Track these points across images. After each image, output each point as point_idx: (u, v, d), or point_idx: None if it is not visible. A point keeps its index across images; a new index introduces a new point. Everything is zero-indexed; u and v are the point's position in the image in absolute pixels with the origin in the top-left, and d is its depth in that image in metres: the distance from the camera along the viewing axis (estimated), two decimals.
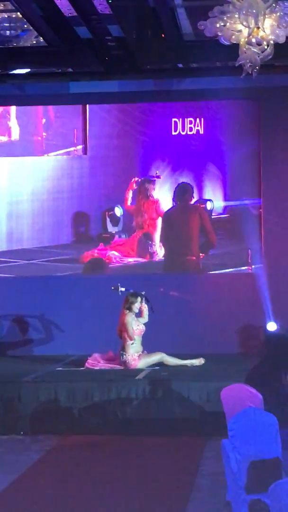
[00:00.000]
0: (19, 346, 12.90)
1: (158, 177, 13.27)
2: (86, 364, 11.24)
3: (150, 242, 13.24)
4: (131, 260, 13.27)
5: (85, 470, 8.43)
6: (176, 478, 8.03)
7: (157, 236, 13.21)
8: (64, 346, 12.54)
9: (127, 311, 11.13)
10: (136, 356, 11.07)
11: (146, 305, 11.26)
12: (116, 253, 13.28)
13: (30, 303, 12.80)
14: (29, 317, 12.90)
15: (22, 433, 9.98)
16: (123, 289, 11.42)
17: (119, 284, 11.42)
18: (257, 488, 5.68)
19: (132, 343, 11.05)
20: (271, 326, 11.39)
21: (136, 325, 11.11)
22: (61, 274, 13.39)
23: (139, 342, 11.17)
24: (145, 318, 11.26)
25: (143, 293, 11.25)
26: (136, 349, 11.13)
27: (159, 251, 13.22)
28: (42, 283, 13.08)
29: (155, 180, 13.30)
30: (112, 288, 11.48)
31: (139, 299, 11.18)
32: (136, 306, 11.16)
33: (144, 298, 11.23)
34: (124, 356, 11.07)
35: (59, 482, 8.09)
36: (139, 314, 11.22)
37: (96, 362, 11.24)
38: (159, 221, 13.24)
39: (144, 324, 11.21)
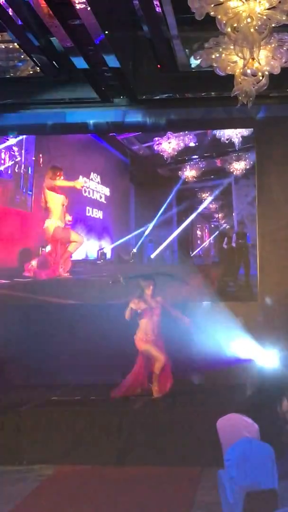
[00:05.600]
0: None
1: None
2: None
3: None
4: None
5: (80, 501, 8.38)
6: (173, 509, 7.99)
7: None
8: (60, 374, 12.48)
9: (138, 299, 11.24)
10: (142, 337, 11.14)
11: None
12: None
13: (24, 330, 12.75)
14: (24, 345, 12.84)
15: (17, 463, 9.93)
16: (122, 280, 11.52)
17: (119, 275, 11.48)
18: None
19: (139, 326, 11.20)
20: (267, 357, 11.37)
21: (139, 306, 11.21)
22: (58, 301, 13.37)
23: (147, 327, 11.21)
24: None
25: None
26: (143, 332, 11.19)
27: None
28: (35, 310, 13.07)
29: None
30: (111, 282, 11.53)
31: (149, 282, 11.30)
32: (148, 290, 11.24)
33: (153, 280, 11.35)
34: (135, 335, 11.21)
35: None
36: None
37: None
38: None
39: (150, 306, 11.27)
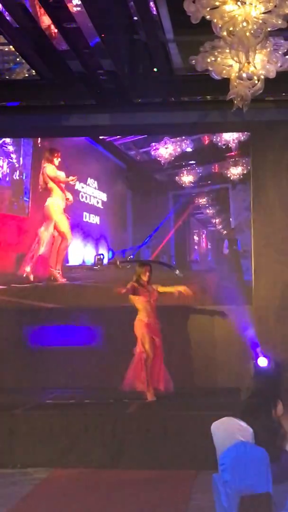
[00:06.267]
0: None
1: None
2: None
3: None
4: None
5: (74, 504, 8.37)
6: None
7: None
8: (53, 377, 12.47)
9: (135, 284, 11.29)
10: (142, 318, 11.23)
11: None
12: None
13: (16, 334, 12.74)
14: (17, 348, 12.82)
15: (11, 466, 9.91)
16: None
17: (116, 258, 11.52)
18: None
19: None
20: (262, 361, 11.37)
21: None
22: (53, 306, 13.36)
23: (146, 308, 11.26)
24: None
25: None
26: (143, 313, 11.25)
27: None
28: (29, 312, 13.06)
29: None
30: (107, 264, 11.57)
31: (145, 268, 11.36)
32: (144, 276, 11.29)
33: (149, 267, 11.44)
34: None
35: None
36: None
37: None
38: None
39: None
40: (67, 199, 13.41)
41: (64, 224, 13.41)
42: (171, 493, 8.74)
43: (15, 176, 13.80)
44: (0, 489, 9.00)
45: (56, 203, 13.37)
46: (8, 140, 13.67)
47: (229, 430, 6.32)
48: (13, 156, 13.73)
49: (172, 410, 10.50)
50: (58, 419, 10.23)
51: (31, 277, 13.34)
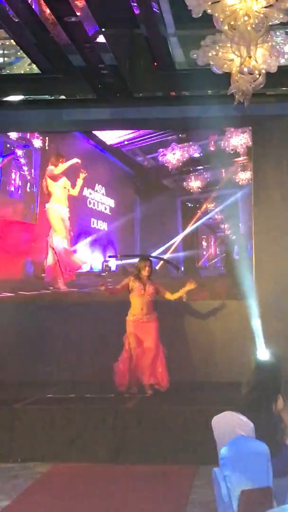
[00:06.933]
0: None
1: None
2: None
3: None
4: None
5: (75, 498, 8.37)
6: (167, 506, 7.99)
7: None
8: (55, 371, 12.49)
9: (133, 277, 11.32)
10: (130, 316, 11.27)
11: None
12: None
13: (16, 328, 12.73)
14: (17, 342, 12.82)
15: (11, 460, 9.92)
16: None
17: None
18: None
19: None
20: (262, 356, 11.37)
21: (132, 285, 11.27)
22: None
23: (136, 304, 11.27)
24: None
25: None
26: (132, 310, 11.29)
27: None
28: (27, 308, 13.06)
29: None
30: (108, 257, 11.56)
31: (146, 263, 11.37)
32: (144, 271, 11.29)
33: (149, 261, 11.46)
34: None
35: (48, 511, 8.03)
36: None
37: None
38: None
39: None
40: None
41: (59, 230, 13.35)
42: (171, 487, 8.75)
43: (27, 188, 13.80)
44: (1, 484, 9.01)
45: (53, 208, 13.35)
46: (20, 152, 13.67)
47: (229, 425, 6.32)
48: (25, 168, 13.74)
49: (173, 405, 10.50)
50: (58, 413, 10.23)
51: (39, 284, 13.32)
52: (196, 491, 8.47)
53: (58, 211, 13.35)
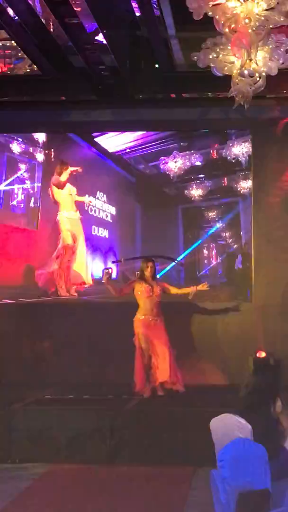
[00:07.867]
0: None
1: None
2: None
3: None
4: None
5: (73, 499, 8.38)
6: (165, 508, 7.98)
7: None
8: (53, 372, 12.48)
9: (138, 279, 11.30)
10: (139, 317, 11.22)
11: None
12: None
13: (15, 329, 12.73)
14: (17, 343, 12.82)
15: (9, 461, 9.92)
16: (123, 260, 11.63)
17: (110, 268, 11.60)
18: None
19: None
20: (261, 358, 11.38)
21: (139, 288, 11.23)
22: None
23: (146, 306, 11.24)
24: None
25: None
26: (141, 311, 11.23)
27: None
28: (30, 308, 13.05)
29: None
30: (112, 262, 11.57)
31: (148, 263, 11.32)
32: (147, 271, 11.26)
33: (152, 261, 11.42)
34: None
35: None
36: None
37: None
38: None
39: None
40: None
41: (67, 238, 13.34)
42: (169, 489, 8.75)
43: (31, 203, 13.80)
44: None
45: (63, 216, 13.33)
46: (23, 166, 13.67)
47: (228, 427, 6.32)
48: (28, 182, 13.75)
49: (171, 407, 10.50)
50: (57, 414, 10.23)
51: (40, 291, 13.31)
52: (194, 493, 8.47)
53: (69, 218, 13.33)
